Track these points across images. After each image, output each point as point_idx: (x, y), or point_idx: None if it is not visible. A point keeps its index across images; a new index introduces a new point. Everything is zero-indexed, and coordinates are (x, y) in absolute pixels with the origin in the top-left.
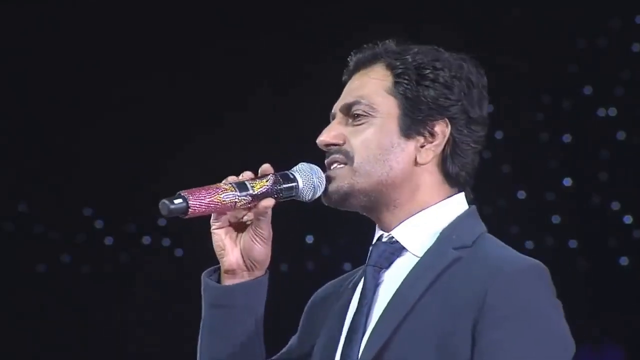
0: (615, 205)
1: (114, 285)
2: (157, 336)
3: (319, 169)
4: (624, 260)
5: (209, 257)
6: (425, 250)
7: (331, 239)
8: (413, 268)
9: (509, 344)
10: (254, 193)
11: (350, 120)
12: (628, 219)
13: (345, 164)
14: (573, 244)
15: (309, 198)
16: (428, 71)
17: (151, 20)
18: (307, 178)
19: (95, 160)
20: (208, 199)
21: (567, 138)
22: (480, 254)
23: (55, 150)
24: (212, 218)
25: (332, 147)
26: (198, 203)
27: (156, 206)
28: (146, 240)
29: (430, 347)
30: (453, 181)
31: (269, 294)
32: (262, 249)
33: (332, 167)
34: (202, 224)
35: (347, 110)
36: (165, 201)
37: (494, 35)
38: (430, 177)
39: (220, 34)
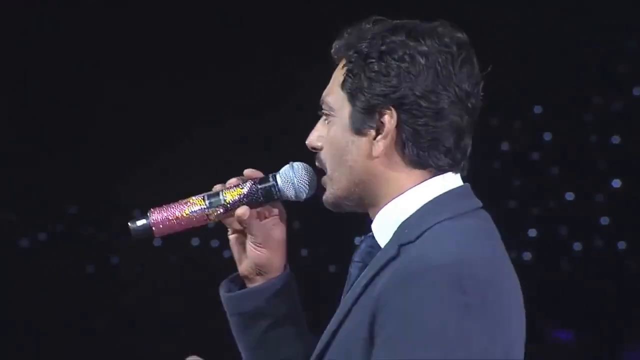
0: None
1: (162, 287)
2: (209, 335)
3: (300, 166)
4: None
5: None
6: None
7: None
8: (368, 265)
9: (391, 353)
10: (226, 203)
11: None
12: None
13: (325, 170)
14: (622, 245)
15: (294, 197)
16: (372, 61)
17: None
18: (285, 177)
19: (146, 162)
20: (174, 216)
21: (616, 139)
22: (412, 252)
23: (105, 152)
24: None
25: (315, 150)
26: (162, 222)
27: None
28: (195, 242)
29: (346, 353)
30: (421, 165)
31: (319, 294)
32: (261, 255)
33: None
34: None
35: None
36: (129, 223)
37: (542, 36)
38: (391, 168)
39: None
